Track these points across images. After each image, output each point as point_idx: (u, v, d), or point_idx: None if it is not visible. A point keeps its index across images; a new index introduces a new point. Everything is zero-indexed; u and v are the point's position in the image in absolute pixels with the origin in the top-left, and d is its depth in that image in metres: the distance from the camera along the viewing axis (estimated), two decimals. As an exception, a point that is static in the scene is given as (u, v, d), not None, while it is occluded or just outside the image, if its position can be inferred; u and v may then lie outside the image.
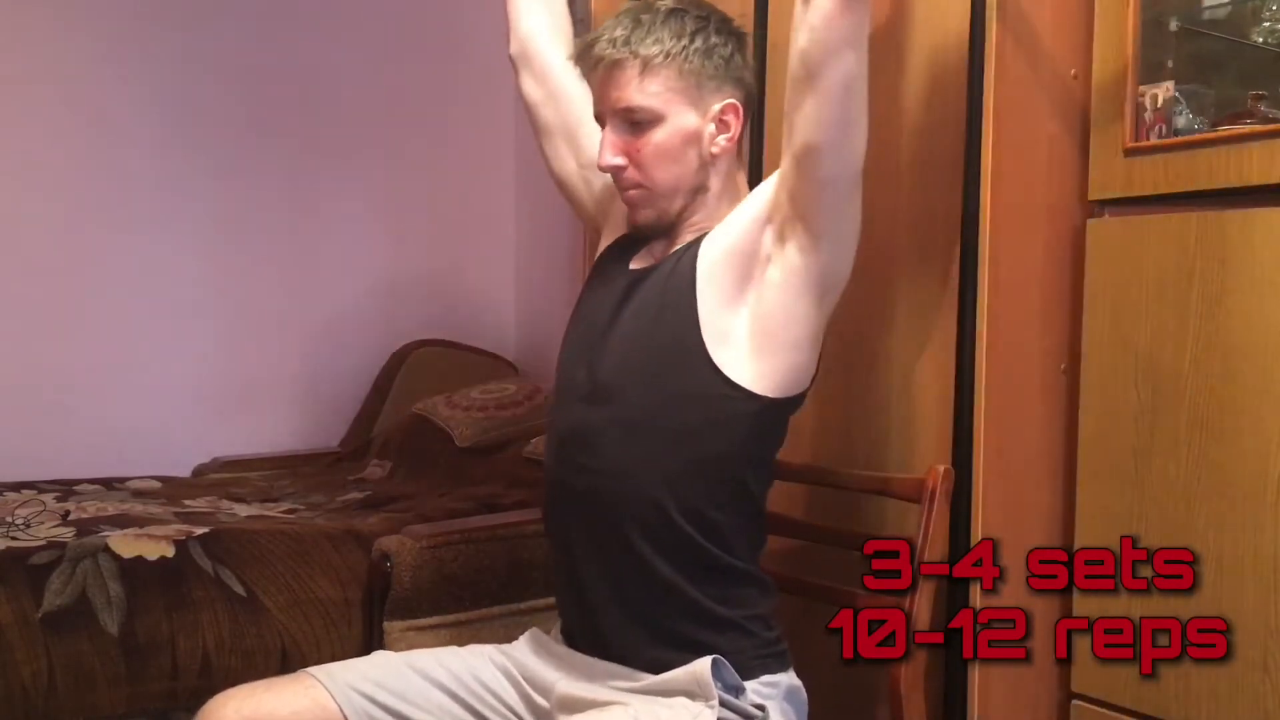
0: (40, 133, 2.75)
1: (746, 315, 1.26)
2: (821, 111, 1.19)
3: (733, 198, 1.36)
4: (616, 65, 1.28)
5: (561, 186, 1.55)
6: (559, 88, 1.50)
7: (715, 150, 1.31)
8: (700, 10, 1.31)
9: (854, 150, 1.23)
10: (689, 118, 1.29)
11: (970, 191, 1.47)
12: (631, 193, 1.32)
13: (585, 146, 1.47)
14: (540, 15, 1.52)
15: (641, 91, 1.27)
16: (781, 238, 1.25)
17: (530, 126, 1.56)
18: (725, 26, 1.32)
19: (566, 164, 1.52)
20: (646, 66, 1.27)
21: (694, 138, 1.29)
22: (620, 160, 1.30)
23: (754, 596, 1.29)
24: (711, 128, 1.30)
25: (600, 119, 1.32)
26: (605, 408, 1.30)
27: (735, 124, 1.31)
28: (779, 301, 1.25)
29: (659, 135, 1.28)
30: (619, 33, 1.28)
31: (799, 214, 1.23)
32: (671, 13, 1.29)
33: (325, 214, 3.13)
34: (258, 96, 3.02)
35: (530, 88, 1.52)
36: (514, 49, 1.53)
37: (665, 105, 1.28)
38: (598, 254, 1.48)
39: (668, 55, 1.27)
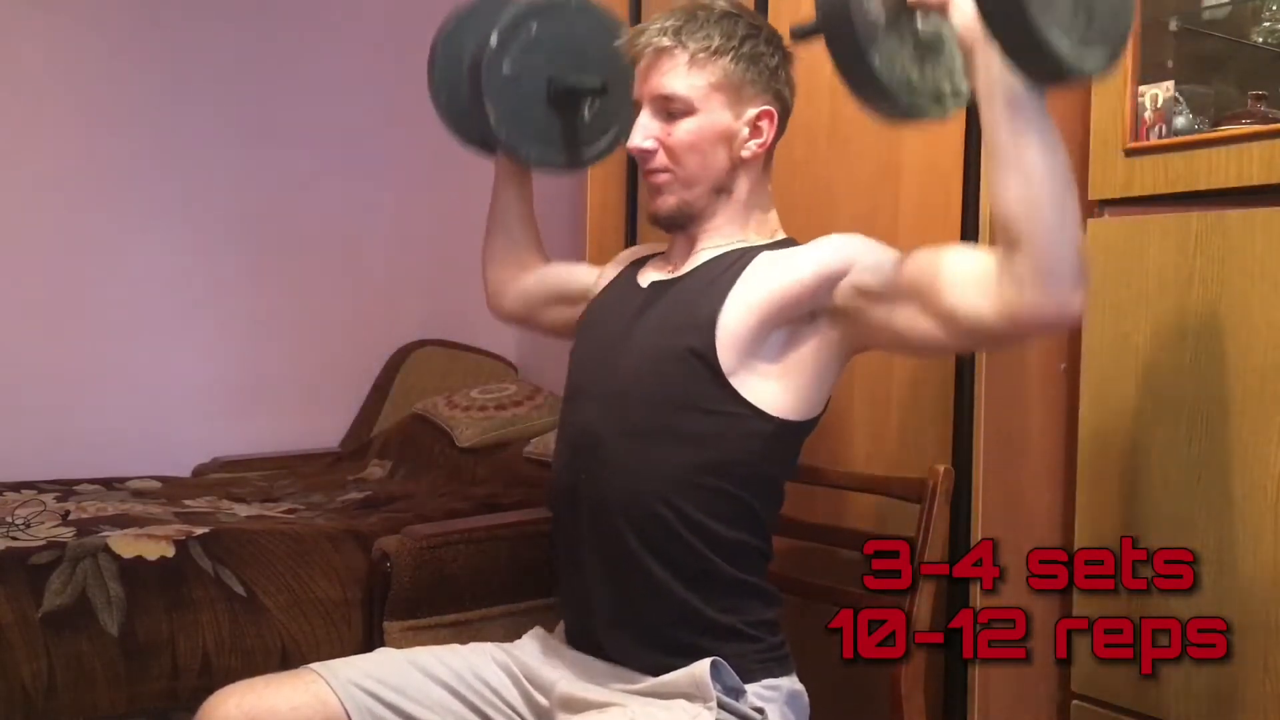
0: (41, 133, 2.74)
1: (774, 349, 1.25)
2: (941, 348, 1.20)
3: (763, 208, 1.36)
4: (664, 52, 1.29)
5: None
6: (533, 295, 1.63)
7: (746, 154, 1.31)
8: (753, 19, 1.32)
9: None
10: (724, 116, 1.29)
11: (970, 191, 1.47)
12: (658, 176, 1.32)
13: (572, 290, 1.56)
14: (507, 270, 1.69)
15: (684, 81, 1.28)
16: (838, 325, 1.24)
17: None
18: (775, 40, 1.33)
19: (567, 313, 1.57)
20: (693, 58, 1.28)
21: (726, 136, 1.30)
22: (650, 144, 1.30)
23: (758, 606, 1.29)
24: (745, 131, 1.30)
25: (637, 106, 1.33)
26: (616, 414, 1.29)
27: (769, 132, 1.31)
28: (812, 348, 1.26)
29: (692, 125, 1.29)
30: (671, 23, 1.29)
31: (873, 329, 1.23)
32: (726, 15, 1.30)
33: (326, 214, 3.13)
34: (259, 95, 3.01)
35: (511, 317, 1.70)
36: (490, 303, 1.72)
37: (703, 99, 1.28)
38: (605, 283, 1.48)
39: (715, 52, 1.28)
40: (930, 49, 1.13)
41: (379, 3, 3.19)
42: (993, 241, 1.08)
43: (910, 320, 1.17)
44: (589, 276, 1.55)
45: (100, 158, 2.81)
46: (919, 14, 1.10)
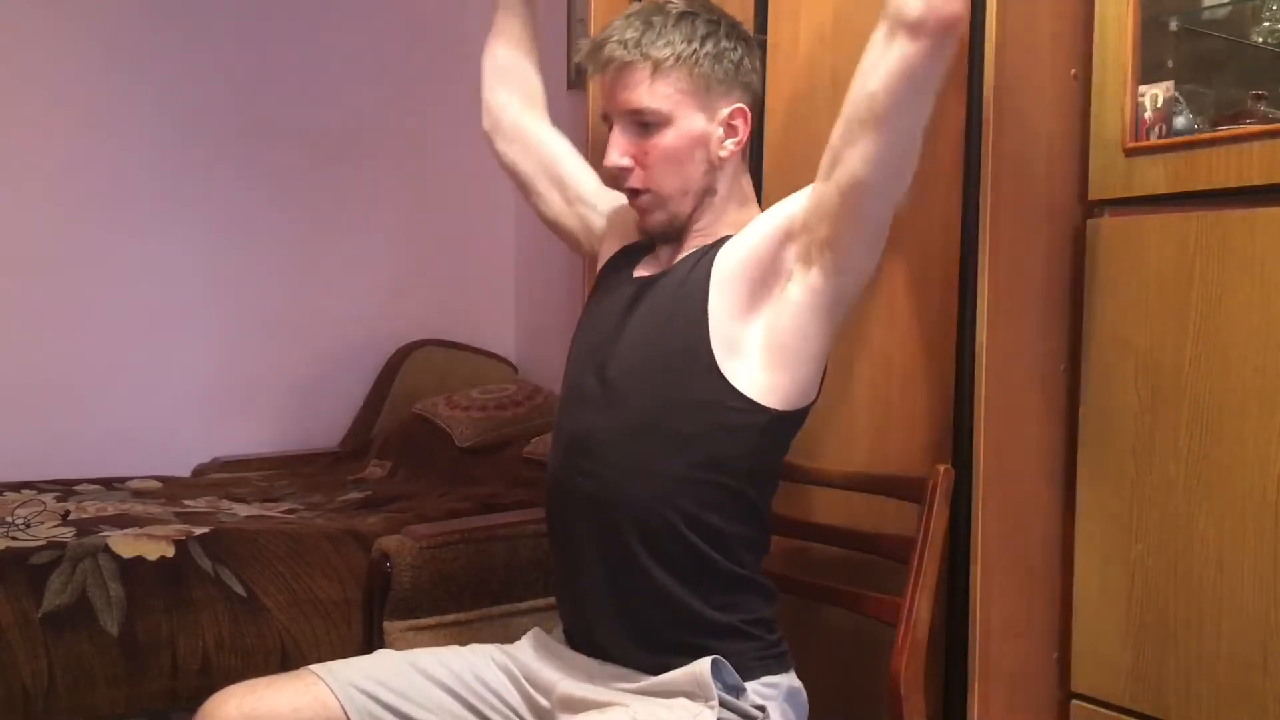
0: (41, 133, 2.75)
1: (760, 328, 1.26)
2: (881, 154, 1.18)
3: (740, 201, 1.36)
4: (627, 67, 1.27)
5: (556, 229, 1.60)
6: (531, 139, 1.57)
7: (723, 154, 1.30)
8: (711, 14, 1.31)
9: (902, 189, 1.24)
10: (697, 121, 1.28)
11: (970, 191, 1.47)
12: (641, 199, 1.32)
13: (569, 182, 1.54)
14: (509, 89, 1.59)
15: (651, 93, 1.27)
16: (807, 260, 1.25)
17: (518, 190, 1.62)
18: (735, 31, 1.32)
19: (554, 205, 1.57)
20: (657, 69, 1.26)
21: (702, 141, 1.29)
22: (627, 161, 1.29)
23: (756, 603, 1.29)
24: (720, 131, 1.30)
25: (607, 120, 1.32)
26: (611, 412, 1.29)
27: (743, 128, 1.31)
28: (795, 318, 1.25)
29: (667, 138, 1.28)
30: (630, 34, 1.28)
31: (831, 242, 1.23)
32: (683, 15, 1.29)
33: (325, 214, 3.13)
34: (258, 97, 3.02)
35: (504, 149, 1.59)
36: (486, 124, 1.61)
37: (674, 108, 1.27)
38: (600, 266, 1.48)
39: (678, 58, 1.27)
40: None
41: (379, 4, 3.19)
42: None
43: (858, 156, 1.19)
44: (591, 185, 1.55)
45: (100, 159, 2.82)
46: None
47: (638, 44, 1.27)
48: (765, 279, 1.26)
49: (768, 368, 1.25)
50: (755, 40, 1.35)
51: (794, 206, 1.27)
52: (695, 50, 1.27)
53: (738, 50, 1.31)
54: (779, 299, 1.26)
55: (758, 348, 1.25)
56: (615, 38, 1.28)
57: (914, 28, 1.12)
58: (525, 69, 1.61)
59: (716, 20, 1.31)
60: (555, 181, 1.55)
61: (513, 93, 1.59)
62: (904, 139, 1.20)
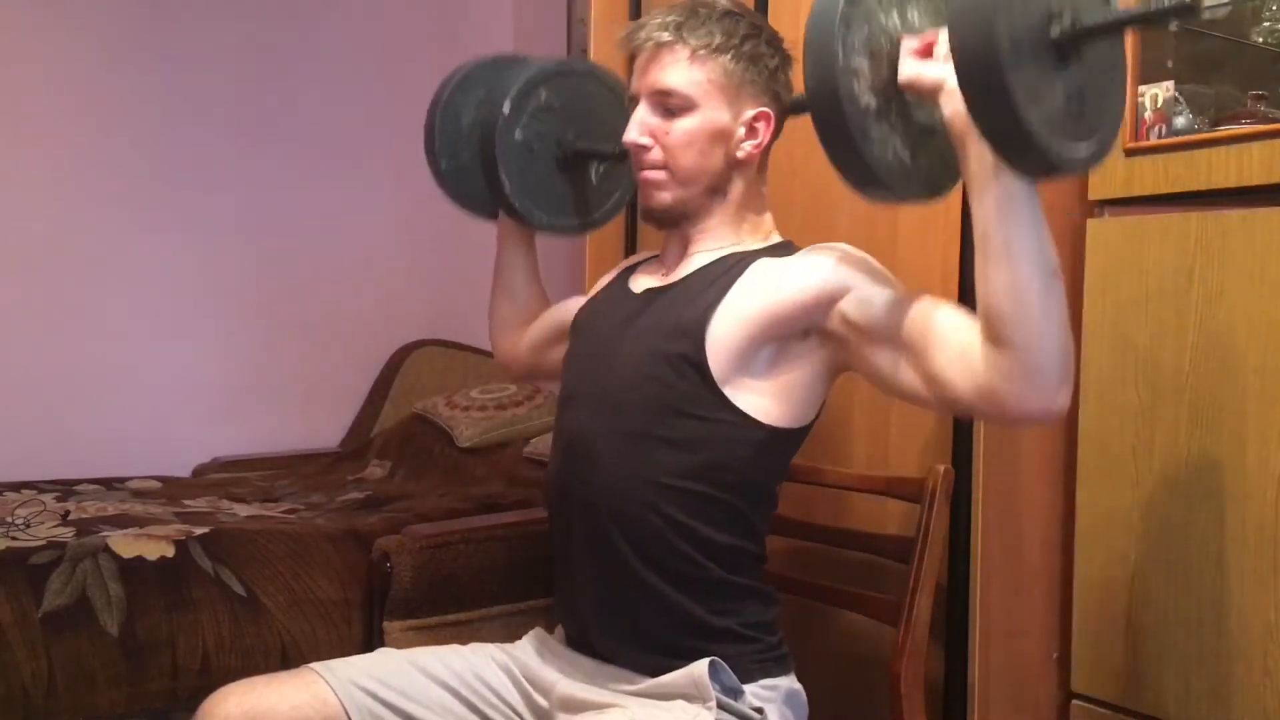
0: (40, 133, 2.75)
1: (765, 362, 1.24)
2: (921, 403, 1.18)
3: (757, 210, 1.35)
4: (664, 47, 1.29)
5: None
6: (539, 334, 1.65)
7: (741, 155, 1.30)
8: (755, 20, 1.32)
9: None
10: (722, 115, 1.29)
11: (970, 192, 1.47)
12: (651, 173, 1.31)
13: (567, 321, 1.52)
14: (517, 335, 1.70)
15: (684, 76, 1.28)
16: (828, 345, 1.24)
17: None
18: (775, 41, 1.33)
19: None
20: (693, 54, 1.27)
21: (723, 135, 1.29)
22: (646, 140, 1.30)
23: (754, 607, 1.28)
24: (741, 131, 1.30)
25: (633, 101, 1.33)
26: (608, 418, 1.29)
27: (765, 133, 1.31)
28: (802, 369, 1.25)
29: (690, 123, 1.28)
30: (672, 19, 1.29)
31: (853, 363, 1.22)
32: (727, 13, 1.30)
33: (326, 214, 3.13)
34: (258, 96, 3.02)
35: (532, 372, 1.71)
36: (506, 366, 1.75)
37: (703, 96, 1.28)
38: (594, 290, 1.48)
39: (716, 49, 1.28)
40: (927, 132, 1.10)
41: (378, 4, 3.19)
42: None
43: (893, 368, 1.17)
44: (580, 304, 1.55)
45: (100, 158, 2.82)
46: (911, 99, 1.08)
47: (679, 28, 1.28)
48: (789, 323, 1.24)
49: (770, 395, 1.25)
50: (793, 59, 1.34)
51: (857, 291, 1.21)
52: (735, 46, 1.28)
53: (774, 59, 1.31)
54: (794, 347, 1.25)
55: (763, 378, 1.24)
56: (657, 21, 1.30)
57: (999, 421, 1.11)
58: (526, 315, 1.70)
59: (759, 26, 1.32)
60: (563, 336, 1.55)
61: (521, 334, 1.69)
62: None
